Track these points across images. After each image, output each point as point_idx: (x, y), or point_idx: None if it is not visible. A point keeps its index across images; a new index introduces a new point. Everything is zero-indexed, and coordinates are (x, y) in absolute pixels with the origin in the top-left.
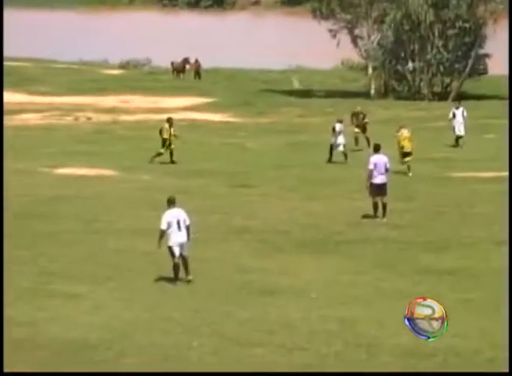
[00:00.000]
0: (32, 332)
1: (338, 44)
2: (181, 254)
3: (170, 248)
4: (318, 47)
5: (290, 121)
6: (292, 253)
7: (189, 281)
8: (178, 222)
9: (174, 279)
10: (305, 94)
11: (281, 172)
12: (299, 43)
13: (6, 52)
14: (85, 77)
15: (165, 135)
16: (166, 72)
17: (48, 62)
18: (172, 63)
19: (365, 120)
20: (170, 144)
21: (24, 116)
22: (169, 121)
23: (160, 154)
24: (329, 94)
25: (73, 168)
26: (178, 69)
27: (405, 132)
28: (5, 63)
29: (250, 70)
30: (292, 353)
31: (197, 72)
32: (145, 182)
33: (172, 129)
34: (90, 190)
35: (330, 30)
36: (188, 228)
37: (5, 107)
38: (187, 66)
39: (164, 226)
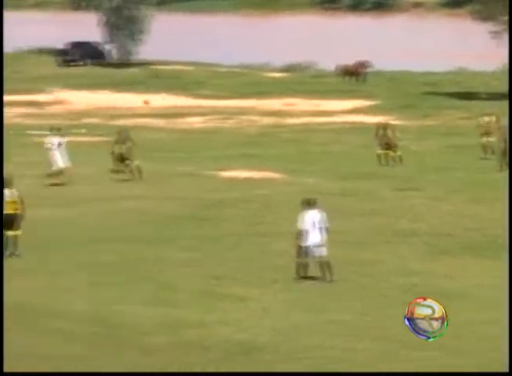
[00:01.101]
0: (202, 334)
1: (499, 45)
2: (318, 256)
3: (301, 248)
4: (480, 49)
5: (453, 124)
6: (457, 256)
7: (329, 281)
8: (315, 224)
9: (299, 277)
10: (469, 96)
11: (445, 175)
12: (460, 45)
13: (174, 57)
14: (249, 81)
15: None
16: (330, 75)
17: (211, 66)
18: (340, 66)
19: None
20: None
21: (189, 119)
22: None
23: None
24: (493, 96)
25: (238, 170)
26: (349, 72)
27: None
28: (171, 67)
29: (411, 73)
30: (459, 356)
31: (362, 74)
32: (310, 185)
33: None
34: (254, 193)
35: (491, 32)
36: (325, 230)
37: (170, 111)
38: (359, 69)
39: (301, 226)
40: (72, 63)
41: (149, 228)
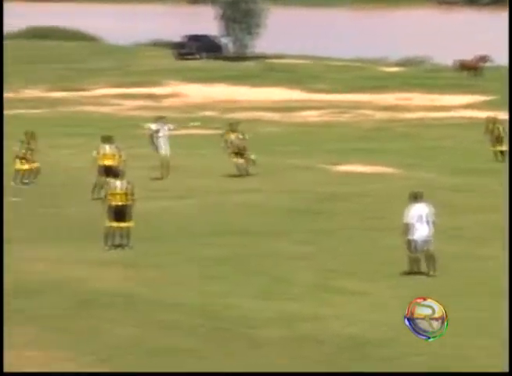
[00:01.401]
0: (315, 328)
1: None
2: (424, 250)
3: (410, 242)
4: None
5: None
6: None
7: (430, 276)
8: (422, 217)
9: (411, 272)
10: None
11: None
12: None
13: (289, 51)
14: (364, 75)
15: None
16: (446, 69)
17: (326, 59)
18: (458, 60)
19: None
20: None
21: (303, 113)
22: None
23: None
24: None
25: (353, 165)
26: (468, 66)
27: None
28: (287, 61)
29: None
30: None
31: (480, 69)
32: (425, 179)
33: None
34: (368, 187)
35: None
36: (432, 223)
37: (285, 105)
38: (478, 64)
39: (408, 220)
40: (188, 56)
41: (262, 221)
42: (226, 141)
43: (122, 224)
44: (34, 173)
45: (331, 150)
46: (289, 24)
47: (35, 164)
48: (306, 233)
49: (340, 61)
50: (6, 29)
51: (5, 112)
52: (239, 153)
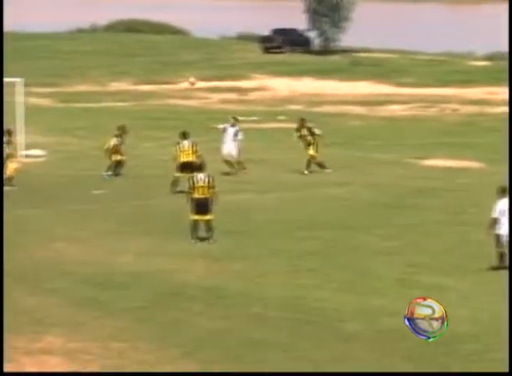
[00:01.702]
0: (400, 322)
1: None
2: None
3: (498, 237)
4: None
5: None
6: None
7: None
8: (505, 212)
9: (500, 267)
10: None
11: None
12: None
13: (376, 45)
14: (451, 69)
15: None
16: None
17: (413, 53)
18: None
19: None
20: None
21: (390, 107)
22: None
23: None
24: None
25: (440, 159)
26: None
27: None
28: (374, 55)
29: None
30: None
31: None
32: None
33: None
34: (455, 182)
35: None
36: None
37: (371, 98)
38: None
39: (496, 214)
40: (275, 50)
41: (348, 215)
42: (301, 136)
43: (205, 217)
44: (121, 165)
45: (417, 145)
46: (375, 18)
47: (123, 157)
48: (392, 227)
49: (428, 55)
50: (97, 21)
51: (92, 105)
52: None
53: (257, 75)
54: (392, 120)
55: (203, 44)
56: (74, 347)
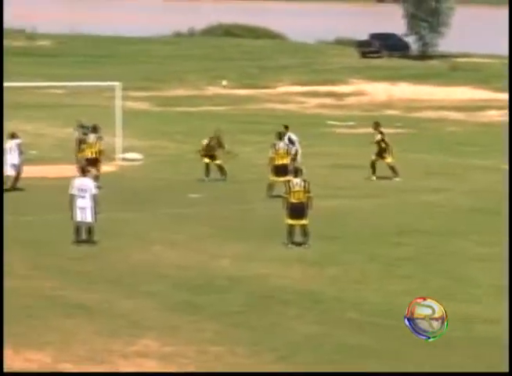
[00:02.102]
0: (497, 330)
1: None
2: None
3: None
4: None
5: None
6: None
7: None
8: None
9: None
10: None
11: None
12: None
13: (475, 50)
14: None
15: None
16: None
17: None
18: None
19: None
20: None
21: (489, 113)
22: None
23: None
24: None
25: None
26: None
27: None
28: (473, 60)
29: None
30: None
31: None
32: None
33: None
34: None
35: None
36: None
37: (469, 104)
38: None
39: None
40: (372, 55)
41: (445, 221)
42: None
43: (300, 221)
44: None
45: None
46: (474, 23)
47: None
48: (490, 233)
49: None
50: (195, 26)
51: (190, 109)
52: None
53: (354, 80)
54: (490, 125)
55: (301, 48)
56: (170, 350)
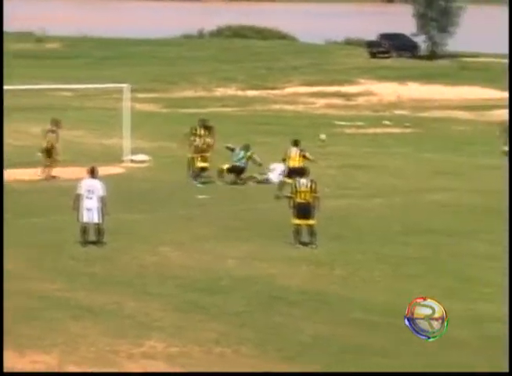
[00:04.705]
0: (505, 329)
1: None
2: None
3: None
4: None
5: None
6: None
7: None
8: None
9: None
10: None
11: None
12: None
13: (483, 49)
14: None
15: None
16: None
17: None
18: None
19: None
20: None
21: (498, 112)
22: None
23: None
24: None
25: None
26: None
27: None
28: (481, 60)
29: None
30: None
31: None
32: None
33: None
34: None
35: None
36: None
37: (479, 103)
38: None
39: None
40: (382, 55)
41: (453, 220)
42: None
43: (307, 221)
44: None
45: None
46: (483, 22)
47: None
48: (498, 233)
49: None
50: (205, 27)
51: (198, 110)
52: None
53: (363, 80)
54: (500, 125)
55: (310, 49)
56: (176, 351)
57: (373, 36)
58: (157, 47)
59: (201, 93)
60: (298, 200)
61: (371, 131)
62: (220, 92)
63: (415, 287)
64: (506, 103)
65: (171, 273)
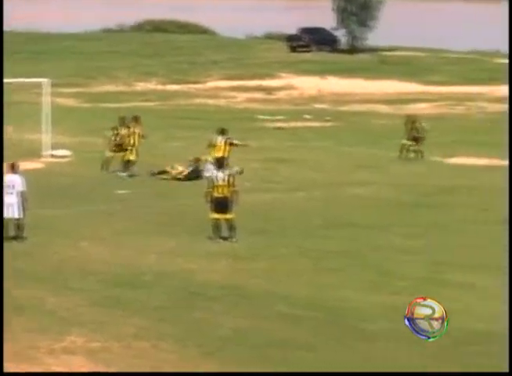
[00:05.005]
0: None
1: None
2: None
3: None
4: None
5: None
6: None
7: None
8: None
9: None
10: None
11: None
12: None
13: (403, 43)
14: (479, 67)
15: None
16: None
17: (441, 51)
18: None
19: None
20: None
21: (417, 105)
22: None
23: None
24: None
25: (466, 157)
26: None
27: None
28: (401, 53)
29: None
30: None
31: None
32: None
33: None
34: (482, 180)
35: None
36: None
37: (398, 97)
38: None
39: None
40: (302, 49)
41: (372, 214)
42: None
43: (225, 216)
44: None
45: (444, 143)
46: (402, 16)
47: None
48: (417, 226)
49: (455, 53)
50: (125, 22)
51: (119, 105)
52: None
53: (283, 74)
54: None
55: (230, 43)
56: (96, 346)
57: (293, 30)
58: (77, 42)
59: (122, 88)
60: (216, 194)
61: (292, 125)
62: (141, 86)
63: (336, 280)
64: (426, 96)
65: (93, 268)
